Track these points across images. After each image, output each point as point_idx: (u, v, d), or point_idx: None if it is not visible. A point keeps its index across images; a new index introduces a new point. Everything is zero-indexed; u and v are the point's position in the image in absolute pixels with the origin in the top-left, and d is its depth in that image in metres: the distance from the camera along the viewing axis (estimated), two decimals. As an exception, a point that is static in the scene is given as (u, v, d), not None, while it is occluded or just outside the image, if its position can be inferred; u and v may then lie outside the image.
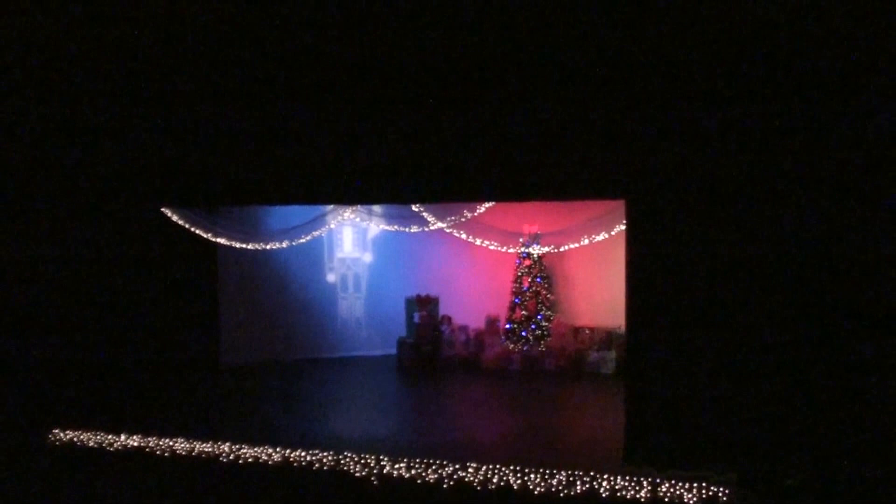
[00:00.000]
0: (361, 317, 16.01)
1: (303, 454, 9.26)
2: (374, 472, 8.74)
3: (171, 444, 9.83)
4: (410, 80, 8.97)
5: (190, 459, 9.48)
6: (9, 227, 11.14)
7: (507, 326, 14.71)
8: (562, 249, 13.46)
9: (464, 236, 13.24)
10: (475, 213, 12.85)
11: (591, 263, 14.56)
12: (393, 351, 15.17)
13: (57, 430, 10.41)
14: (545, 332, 14.49)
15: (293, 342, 15.40)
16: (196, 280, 13.99)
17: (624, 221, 11.61)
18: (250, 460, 9.30)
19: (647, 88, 8.09)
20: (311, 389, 13.04)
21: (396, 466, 8.78)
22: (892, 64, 7.35)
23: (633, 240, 8.51)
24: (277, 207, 13.97)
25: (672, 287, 8.26)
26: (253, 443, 9.67)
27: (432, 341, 14.75)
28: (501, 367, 14.37)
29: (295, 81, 9.38)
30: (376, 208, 13.79)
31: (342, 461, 9.04)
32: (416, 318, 14.88)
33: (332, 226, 13.92)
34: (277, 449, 9.44)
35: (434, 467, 8.69)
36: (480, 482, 8.34)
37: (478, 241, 13.34)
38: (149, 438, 10.02)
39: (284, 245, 13.49)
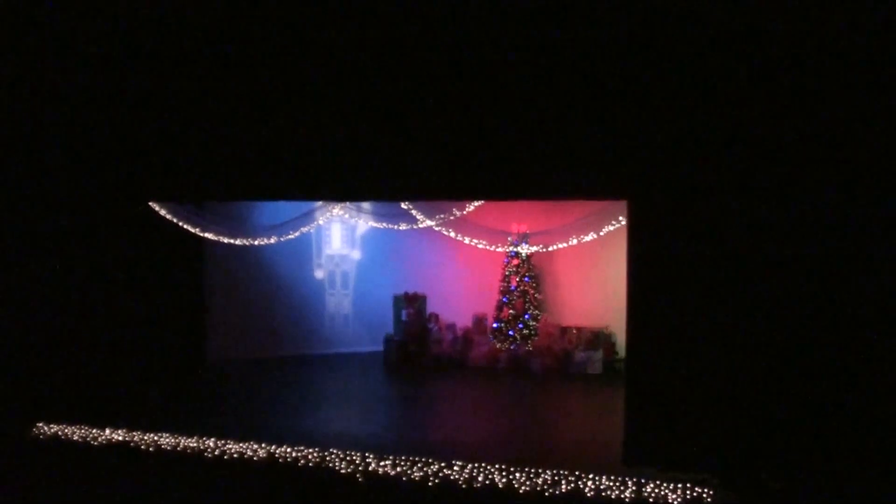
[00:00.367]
0: (349, 314, 15.99)
1: (288, 450, 9.25)
2: (360, 469, 8.74)
3: (156, 438, 9.80)
4: (403, 76, 8.95)
5: (175, 454, 9.46)
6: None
7: (495, 325, 14.72)
8: (550, 249, 13.46)
9: (452, 235, 13.24)
10: (464, 212, 12.85)
11: (580, 263, 14.59)
12: (380, 348, 15.15)
13: (41, 424, 10.36)
14: (532, 332, 14.51)
15: (280, 339, 15.38)
16: (183, 276, 13.94)
17: (612, 222, 11.77)
18: (235, 456, 9.28)
19: (649, 87, 8.07)
20: (297, 386, 13.02)
21: (382, 464, 8.78)
22: (893, 64, 7.36)
23: (635, 240, 8.46)
24: (266, 203, 13.94)
25: (673, 288, 8.23)
26: (238, 439, 9.65)
27: (419, 339, 14.75)
28: (488, 366, 14.38)
29: (284, 77, 9.36)
30: (365, 205, 13.75)
31: (327, 458, 9.03)
32: (404, 316, 14.87)
33: (321, 222, 13.89)
34: (263, 445, 9.43)
35: (419, 465, 8.69)
36: (466, 480, 8.35)
37: (466, 240, 13.34)
38: (134, 433, 9.98)
39: (272, 241, 13.44)
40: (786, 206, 7.79)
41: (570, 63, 8.32)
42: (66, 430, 10.20)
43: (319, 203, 13.30)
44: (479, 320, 15.02)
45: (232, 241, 13.19)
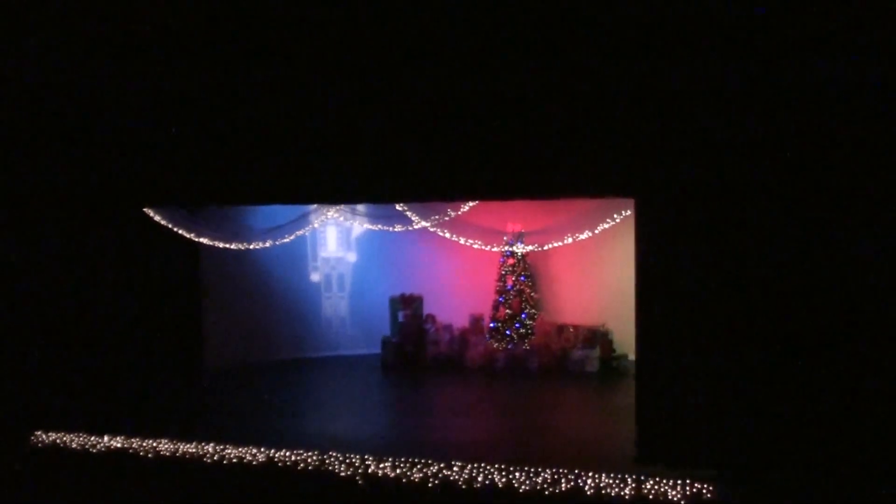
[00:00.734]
0: (346, 316, 15.98)
1: (287, 454, 9.24)
2: (359, 471, 8.74)
3: (154, 445, 9.78)
4: (401, 74, 8.92)
5: (174, 460, 9.44)
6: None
7: (492, 325, 14.71)
8: (546, 248, 13.47)
9: (448, 235, 13.23)
10: (459, 212, 12.85)
11: (575, 262, 14.60)
12: (377, 350, 15.14)
13: (39, 433, 10.34)
14: (529, 331, 14.51)
15: (277, 342, 15.35)
16: (179, 281, 13.92)
17: (607, 220, 11.80)
18: (234, 460, 9.27)
19: (656, 84, 8.05)
20: (295, 389, 13.00)
21: (381, 466, 8.77)
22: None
23: (641, 238, 8.44)
24: (261, 207, 13.92)
25: (680, 284, 8.20)
26: (237, 443, 9.64)
27: (416, 340, 14.74)
28: (486, 366, 14.37)
29: (277, 80, 9.36)
30: (360, 207, 13.75)
31: (327, 461, 9.03)
32: (401, 318, 14.86)
33: (316, 225, 13.88)
34: (262, 449, 9.41)
35: (419, 466, 8.69)
36: (465, 481, 8.35)
37: (462, 240, 13.33)
38: (132, 440, 9.96)
39: (268, 245, 13.43)
40: (796, 205, 7.76)
41: (573, 59, 8.28)
42: (64, 438, 10.18)
43: (314, 206, 13.28)
44: (476, 320, 15.01)
45: (227, 245, 13.17)
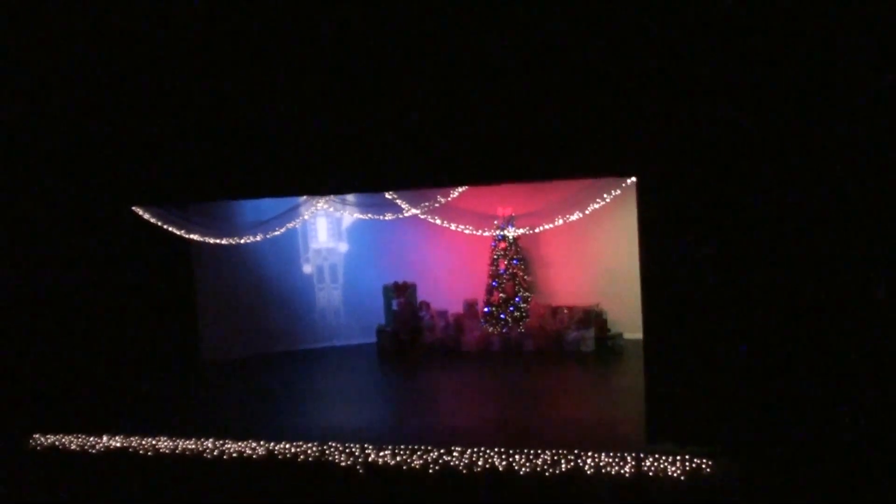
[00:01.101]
0: (339, 307, 15.97)
1: (287, 446, 9.26)
2: (360, 460, 8.76)
3: (154, 443, 9.79)
4: (388, 61, 8.85)
5: (174, 457, 9.45)
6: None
7: (486, 310, 14.74)
8: (537, 230, 13.48)
9: (438, 222, 13.22)
10: (449, 198, 12.84)
11: (567, 243, 14.63)
12: (372, 339, 15.16)
13: (38, 435, 10.33)
14: (524, 314, 14.55)
15: (272, 335, 15.35)
16: (172, 278, 13.92)
17: (597, 200, 11.80)
18: (234, 455, 9.29)
19: (657, 61, 7.95)
20: (292, 382, 13.00)
21: (381, 454, 8.80)
22: None
23: (645, 218, 8.33)
24: (250, 201, 13.88)
25: (685, 265, 8.12)
26: (237, 438, 9.65)
27: (411, 328, 14.76)
28: (482, 351, 14.41)
29: (261, 73, 9.31)
30: (350, 197, 13.72)
31: (327, 452, 9.05)
32: (395, 306, 14.88)
33: (306, 217, 13.86)
34: (261, 442, 9.43)
35: (419, 453, 8.72)
36: (466, 465, 8.38)
37: (452, 226, 13.32)
38: (132, 438, 9.97)
39: (259, 238, 13.40)
40: (798, 179, 7.69)
41: (570, 37, 8.16)
42: (63, 440, 10.17)
43: (303, 198, 13.26)
44: (470, 306, 15.04)
45: (218, 241, 13.14)
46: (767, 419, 8.03)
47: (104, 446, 9.90)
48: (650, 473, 7.86)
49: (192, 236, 12.80)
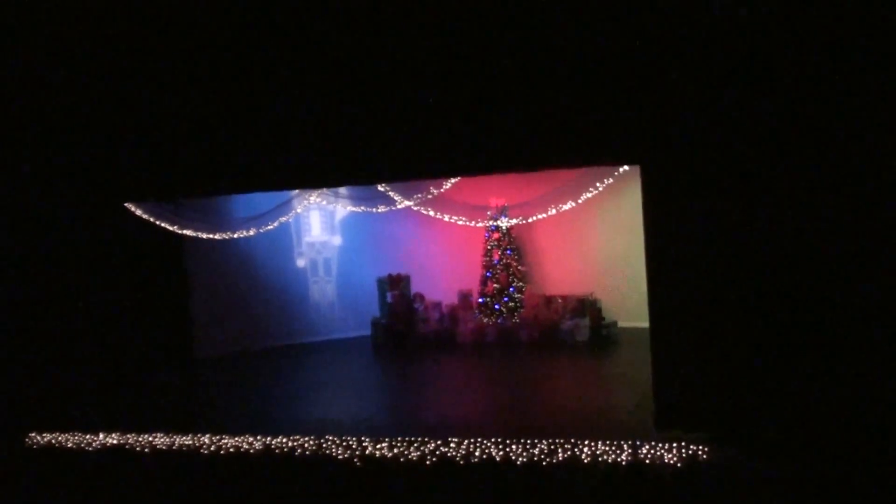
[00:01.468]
0: (334, 300, 15.99)
1: (284, 441, 9.25)
2: (357, 453, 8.76)
3: (150, 439, 9.77)
4: (379, 52, 8.80)
5: (171, 454, 9.43)
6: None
7: (480, 300, 14.75)
8: (530, 220, 13.47)
9: (431, 213, 13.21)
10: (441, 190, 12.82)
11: (560, 233, 14.66)
12: (367, 332, 15.18)
13: (34, 434, 10.30)
14: (518, 304, 14.57)
15: (267, 330, 15.36)
16: (165, 274, 13.89)
17: (590, 189, 11.79)
18: (231, 451, 9.28)
19: (661, 47, 7.86)
20: (288, 376, 13.00)
21: (378, 446, 8.79)
22: None
23: (650, 206, 8.26)
24: (242, 195, 13.85)
25: (691, 252, 8.07)
26: (233, 433, 9.64)
27: (406, 320, 14.76)
28: (477, 342, 14.43)
29: (254, 67, 9.28)
30: (342, 190, 13.70)
31: (324, 445, 9.05)
32: (389, 298, 14.88)
33: (299, 210, 13.83)
34: (258, 437, 9.42)
35: (416, 445, 8.71)
36: (463, 456, 8.38)
37: (446, 218, 13.31)
38: (128, 435, 9.94)
39: (252, 233, 13.38)
40: (804, 165, 7.63)
41: (570, 24, 8.08)
42: (59, 438, 10.14)
43: (296, 191, 13.23)
44: (465, 297, 15.05)
45: (211, 236, 13.11)
46: (773, 406, 8.03)
47: (101, 444, 9.88)
48: (647, 461, 7.87)
49: (184, 232, 12.77)
